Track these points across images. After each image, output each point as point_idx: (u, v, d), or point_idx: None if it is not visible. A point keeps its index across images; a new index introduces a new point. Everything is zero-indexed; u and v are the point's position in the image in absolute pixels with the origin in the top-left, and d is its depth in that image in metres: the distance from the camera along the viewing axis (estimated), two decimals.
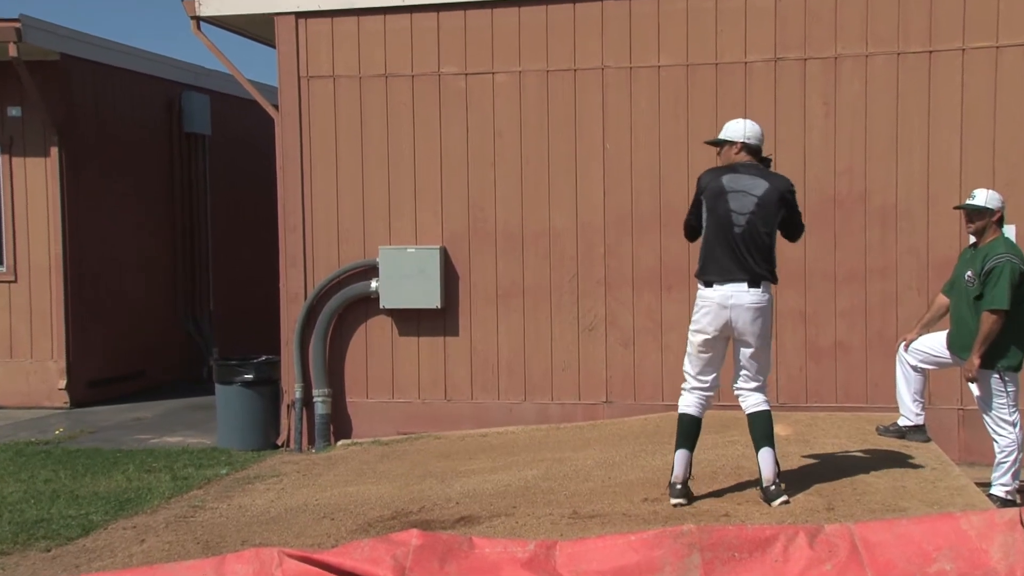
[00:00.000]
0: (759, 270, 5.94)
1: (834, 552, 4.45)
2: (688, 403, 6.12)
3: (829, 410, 8.91)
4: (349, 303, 9.90)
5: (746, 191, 5.95)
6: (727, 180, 6.01)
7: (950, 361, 7.28)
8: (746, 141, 6.09)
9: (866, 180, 9.06)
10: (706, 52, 9.21)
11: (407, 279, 9.62)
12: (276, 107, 10.04)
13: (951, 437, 8.81)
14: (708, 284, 6.01)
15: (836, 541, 4.49)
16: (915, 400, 7.42)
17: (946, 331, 7.29)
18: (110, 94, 13.01)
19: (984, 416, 7.15)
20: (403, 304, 9.73)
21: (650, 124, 9.35)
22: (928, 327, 7.45)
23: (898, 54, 8.94)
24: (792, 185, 6.14)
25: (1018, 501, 6.96)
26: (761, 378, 6.09)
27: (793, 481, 6.29)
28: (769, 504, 5.90)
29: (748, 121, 6.19)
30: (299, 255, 9.95)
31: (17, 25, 11.12)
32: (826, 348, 9.17)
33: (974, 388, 7.08)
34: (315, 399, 9.90)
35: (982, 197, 7.05)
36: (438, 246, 9.69)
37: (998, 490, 7.03)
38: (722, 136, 6.19)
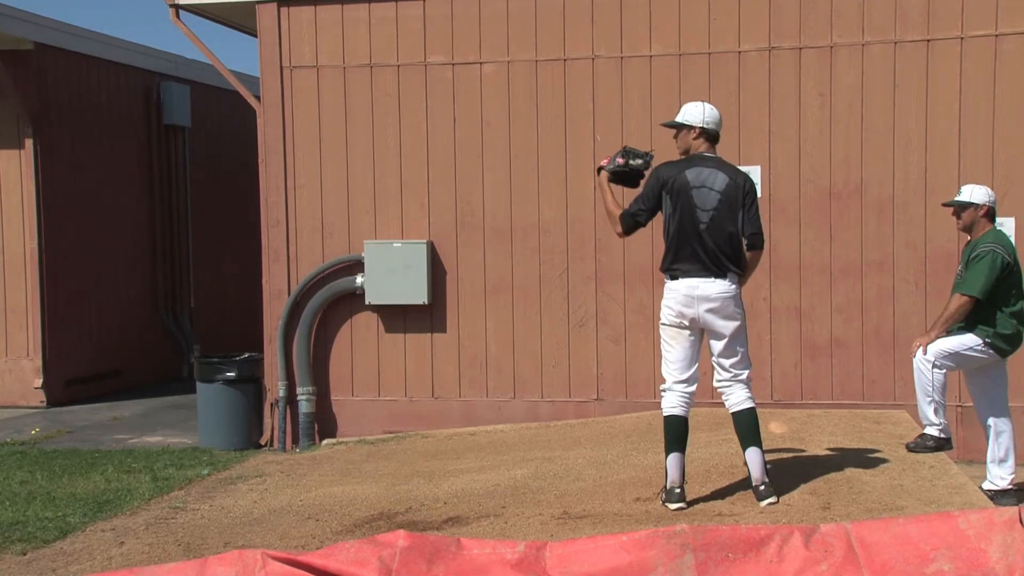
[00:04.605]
0: (724, 263, 5.81)
1: (830, 552, 4.42)
2: (671, 403, 5.91)
3: (825, 407, 8.83)
4: (334, 299, 9.76)
5: (708, 187, 5.80)
6: (691, 176, 5.84)
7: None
8: (704, 126, 5.90)
9: (863, 172, 8.97)
10: (699, 41, 9.12)
11: (393, 274, 9.49)
12: (258, 98, 9.91)
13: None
14: (674, 277, 5.87)
15: (832, 541, 4.46)
16: (936, 408, 7.03)
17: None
18: (86, 84, 12.83)
19: (976, 408, 7.21)
20: (389, 300, 9.60)
21: (641, 115, 9.24)
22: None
23: (895, 43, 8.84)
24: (750, 177, 5.97)
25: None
26: (740, 371, 5.91)
27: (788, 480, 6.22)
28: (760, 503, 5.81)
29: (707, 105, 5.98)
30: (282, 250, 9.81)
31: None
32: (822, 344, 9.08)
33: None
34: (299, 397, 9.77)
35: (967, 192, 7.10)
36: (425, 240, 9.55)
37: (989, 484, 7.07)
38: (680, 119, 5.98)
